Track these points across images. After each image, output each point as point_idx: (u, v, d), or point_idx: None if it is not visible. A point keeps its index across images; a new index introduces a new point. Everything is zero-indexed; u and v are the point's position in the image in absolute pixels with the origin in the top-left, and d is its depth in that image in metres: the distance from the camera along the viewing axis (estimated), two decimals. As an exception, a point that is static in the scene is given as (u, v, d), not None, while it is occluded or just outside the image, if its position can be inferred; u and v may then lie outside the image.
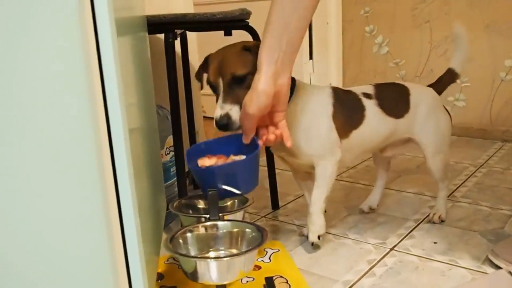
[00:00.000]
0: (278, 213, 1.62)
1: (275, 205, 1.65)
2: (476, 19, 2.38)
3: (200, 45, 2.21)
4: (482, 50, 2.39)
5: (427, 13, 2.52)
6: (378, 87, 1.35)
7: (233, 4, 2.53)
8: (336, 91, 1.28)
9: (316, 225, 1.28)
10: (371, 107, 1.30)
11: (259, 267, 1.24)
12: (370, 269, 1.23)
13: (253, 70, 1.05)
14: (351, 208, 1.63)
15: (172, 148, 1.48)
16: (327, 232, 1.43)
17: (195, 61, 1.96)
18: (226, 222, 0.98)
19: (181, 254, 0.89)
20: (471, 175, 1.91)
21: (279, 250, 1.33)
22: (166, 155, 1.49)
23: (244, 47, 1.13)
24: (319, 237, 1.28)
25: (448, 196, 1.68)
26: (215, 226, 0.98)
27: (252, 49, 1.11)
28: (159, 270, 1.23)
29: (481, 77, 2.43)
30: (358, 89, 1.34)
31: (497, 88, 2.40)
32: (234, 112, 1.08)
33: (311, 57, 2.87)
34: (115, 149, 0.71)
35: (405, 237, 1.39)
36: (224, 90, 1.10)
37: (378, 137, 1.33)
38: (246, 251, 0.89)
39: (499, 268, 1.19)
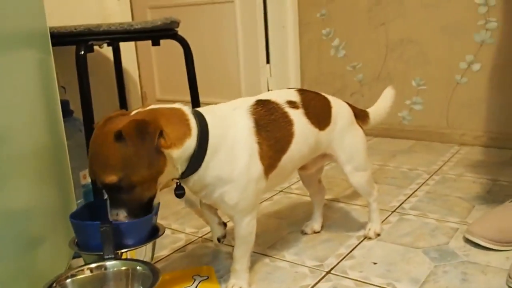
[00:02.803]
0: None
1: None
2: (432, 20, 2.32)
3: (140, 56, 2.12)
4: (438, 52, 2.34)
5: (383, 15, 2.45)
6: (302, 93, 1.24)
7: (190, 7, 2.44)
8: (256, 115, 1.10)
9: (241, 279, 1.17)
10: (299, 119, 1.18)
11: (183, 298, 1.15)
12: (303, 296, 1.15)
13: (128, 170, 0.91)
14: (295, 224, 1.54)
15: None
16: (263, 254, 1.35)
17: (134, 72, 1.87)
18: (115, 261, 0.88)
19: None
20: (423, 183, 1.84)
21: (208, 277, 1.24)
22: (91, 175, 1.38)
23: (116, 136, 0.91)
24: None
25: (396, 209, 1.61)
26: (103, 266, 0.88)
27: (125, 137, 0.90)
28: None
29: (437, 80, 2.37)
30: (281, 97, 1.19)
31: (453, 90, 2.34)
32: (122, 216, 0.97)
33: (268, 61, 2.78)
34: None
35: (344, 257, 1.31)
36: (106, 192, 0.98)
37: (307, 152, 1.22)
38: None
39: (477, 245, 1.28)
